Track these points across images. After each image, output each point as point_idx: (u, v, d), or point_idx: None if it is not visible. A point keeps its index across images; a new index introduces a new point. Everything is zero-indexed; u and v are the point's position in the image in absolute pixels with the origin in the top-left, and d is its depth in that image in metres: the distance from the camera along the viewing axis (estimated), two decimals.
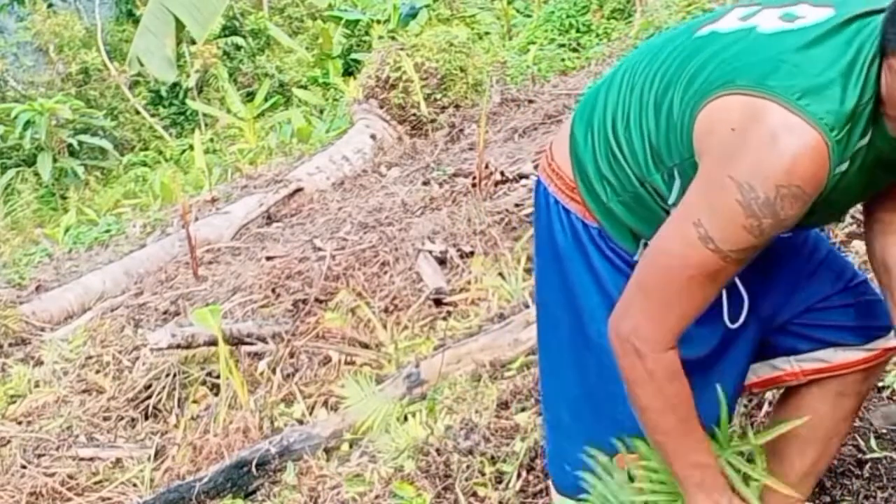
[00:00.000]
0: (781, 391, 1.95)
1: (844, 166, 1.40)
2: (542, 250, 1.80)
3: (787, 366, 1.82)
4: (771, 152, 1.34)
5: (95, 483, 3.52)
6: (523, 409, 2.87)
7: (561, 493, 1.86)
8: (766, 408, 2.48)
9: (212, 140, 11.21)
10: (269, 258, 4.83)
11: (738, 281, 1.62)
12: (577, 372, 1.77)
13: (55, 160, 12.04)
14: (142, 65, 7.39)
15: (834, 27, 1.40)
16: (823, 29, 1.40)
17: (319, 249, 4.70)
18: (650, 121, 1.54)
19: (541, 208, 1.77)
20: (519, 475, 2.59)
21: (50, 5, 16.05)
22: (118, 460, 3.61)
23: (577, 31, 8.78)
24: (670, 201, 1.56)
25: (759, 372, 1.83)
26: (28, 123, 11.90)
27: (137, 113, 13.92)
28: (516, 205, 4.70)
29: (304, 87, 11.89)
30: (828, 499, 2.19)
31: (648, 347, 1.52)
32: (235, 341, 3.94)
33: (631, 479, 1.76)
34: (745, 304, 1.66)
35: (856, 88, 1.36)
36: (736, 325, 1.65)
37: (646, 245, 1.63)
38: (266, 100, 11.02)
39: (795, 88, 1.34)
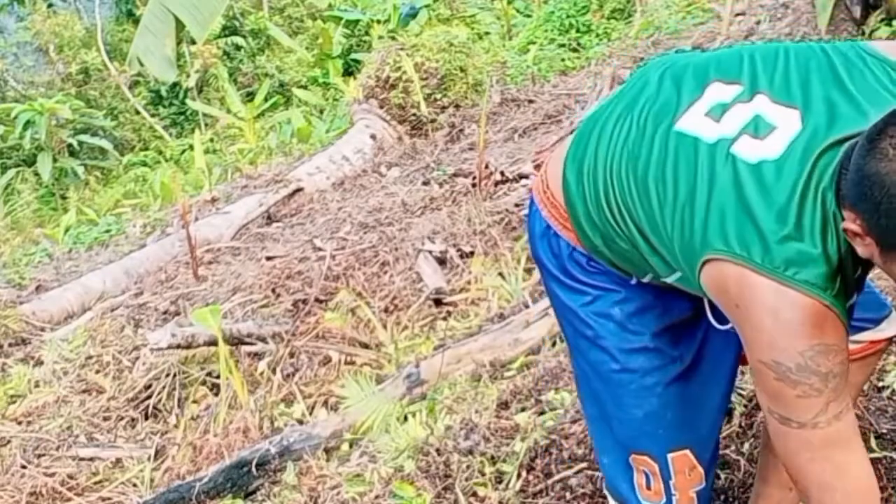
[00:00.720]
0: None
1: (854, 297, 1.43)
2: (538, 265, 1.84)
3: None
4: (778, 328, 1.37)
5: (95, 483, 3.52)
6: (523, 409, 2.87)
7: (610, 494, 1.89)
8: None
9: (212, 140, 11.20)
10: (269, 258, 4.83)
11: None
12: (583, 376, 1.82)
13: (55, 160, 12.03)
14: (142, 65, 7.37)
15: (808, 174, 1.38)
16: (796, 174, 1.38)
17: (319, 249, 4.70)
18: (643, 222, 1.53)
19: (533, 225, 1.79)
20: (519, 475, 2.59)
21: (50, 5, 16.05)
22: (118, 460, 3.61)
23: (577, 31, 8.77)
24: (663, 279, 1.59)
25: None
26: (28, 123, 11.89)
27: (137, 113, 13.91)
28: (516, 205, 4.70)
29: (304, 87, 11.88)
30: None
31: None
32: (235, 341, 3.94)
33: (648, 484, 1.78)
34: None
35: (833, 243, 1.37)
36: (727, 326, 1.66)
37: (639, 281, 1.67)
38: (266, 100, 11.01)
39: (779, 260, 1.36)
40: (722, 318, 1.66)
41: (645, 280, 1.66)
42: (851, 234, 1.35)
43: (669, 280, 1.59)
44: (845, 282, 1.39)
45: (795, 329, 1.36)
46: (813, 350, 1.36)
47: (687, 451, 1.75)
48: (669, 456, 1.74)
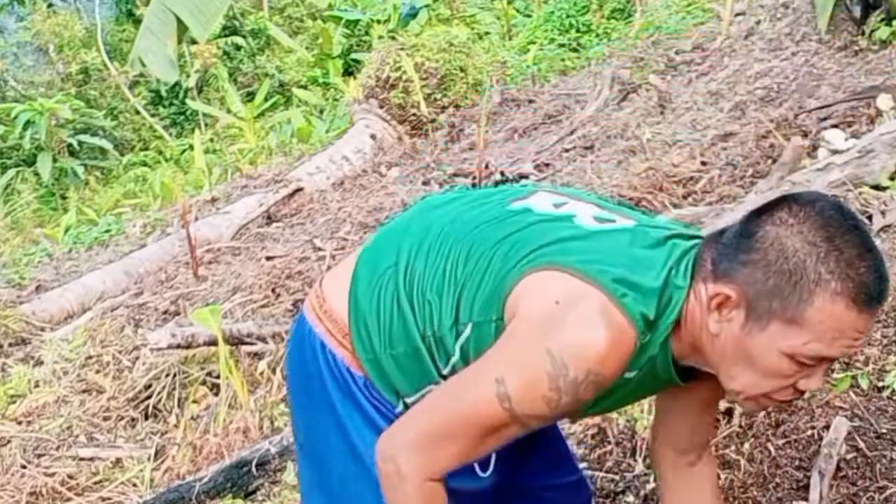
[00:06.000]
0: None
1: (632, 374, 1.47)
2: (307, 389, 1.70)
3: None
4: (592, 337, 1.39)
5: (95, 483, 3.52)
6: None
7: None
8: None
9: (212, 140, 11.21)
10: (269, 258, 4.83)
11: None
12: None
13: (55, 160, 12.04)
14: (144, 65, 7.37)
15: (657, 240, 1.48)
16: (649, 238, 1.48)
17: (319, 249, 4.70)
18: (464, 279, 1.54)
19: (305, 349, 1.69)
20: None
21: (50, 5, 16.07)
22: (118, 460, 3.61)
23: (577, 31, 8.77)
24: (451, 355, 1.55)
25: None
26: (28, 123, 11.90)
27: (137, 113, 13.93)
28: None
29: (304, 87, 11.88)
30: (826, 500, 2.19)
31: (413, 471, 1.47)
32: (235, 341, 3.93)
33: None
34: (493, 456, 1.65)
35: (665, 302, 1.44)
36: (486, 474, 1.66)
37: (405, 404, 1.60)
38: (266, 100, 11.00)
39: (622, 285, 1.41)
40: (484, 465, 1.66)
41: (411, 400, 1.59)
42: (716, 303, 1.41)
43: (455, 352, 1.54)
44: (648, 346, 1.44)
45: (605, 348, 1.39)
46: (596, 377, 1.40)
47: None
48: None
